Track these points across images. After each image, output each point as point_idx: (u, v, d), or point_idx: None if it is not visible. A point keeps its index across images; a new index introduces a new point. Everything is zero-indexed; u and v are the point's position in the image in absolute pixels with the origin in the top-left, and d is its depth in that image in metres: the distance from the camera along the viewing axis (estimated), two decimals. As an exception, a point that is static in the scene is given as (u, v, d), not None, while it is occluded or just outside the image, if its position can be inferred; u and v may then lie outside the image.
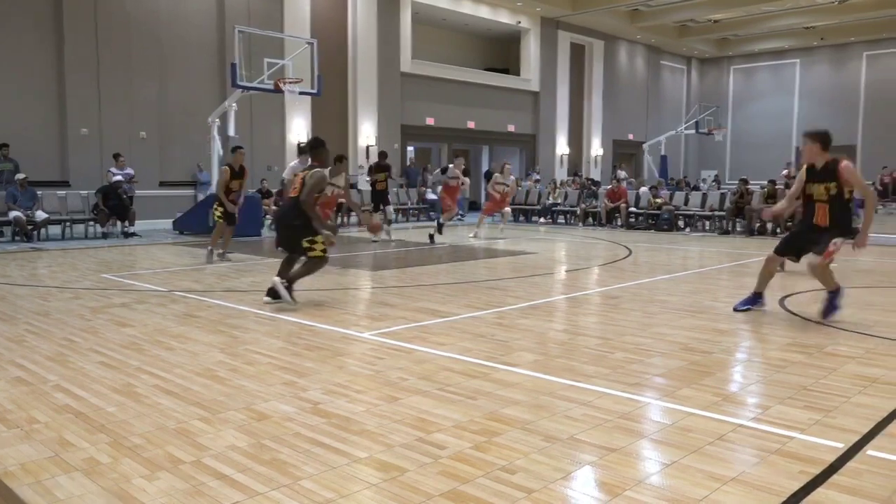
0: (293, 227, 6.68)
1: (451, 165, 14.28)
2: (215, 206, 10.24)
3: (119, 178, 14.51)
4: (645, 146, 27.88)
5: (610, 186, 19.34)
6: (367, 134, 20.60)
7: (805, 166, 6.07)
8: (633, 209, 17.81)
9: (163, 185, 16.90)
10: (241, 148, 10.47)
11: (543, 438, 3.34)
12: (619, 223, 17.74)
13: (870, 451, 3.22)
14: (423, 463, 3.05)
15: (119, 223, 14.44)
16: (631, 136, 29.55)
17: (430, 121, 22.58)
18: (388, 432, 3.41)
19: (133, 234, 14.28)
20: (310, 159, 7.00)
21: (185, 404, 3.85)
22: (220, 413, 3.70)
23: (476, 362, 4.72)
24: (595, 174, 27.13)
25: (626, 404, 3.88)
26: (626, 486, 2.83)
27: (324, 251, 6.66)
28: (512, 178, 15.66)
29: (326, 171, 6.77)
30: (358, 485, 2.84)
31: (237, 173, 10.21)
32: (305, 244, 6.61)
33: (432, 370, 4.53)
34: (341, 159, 10.59)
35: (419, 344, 5.24)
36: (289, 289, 6.58)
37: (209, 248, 10.23)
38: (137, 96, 16.46)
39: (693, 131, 28.30)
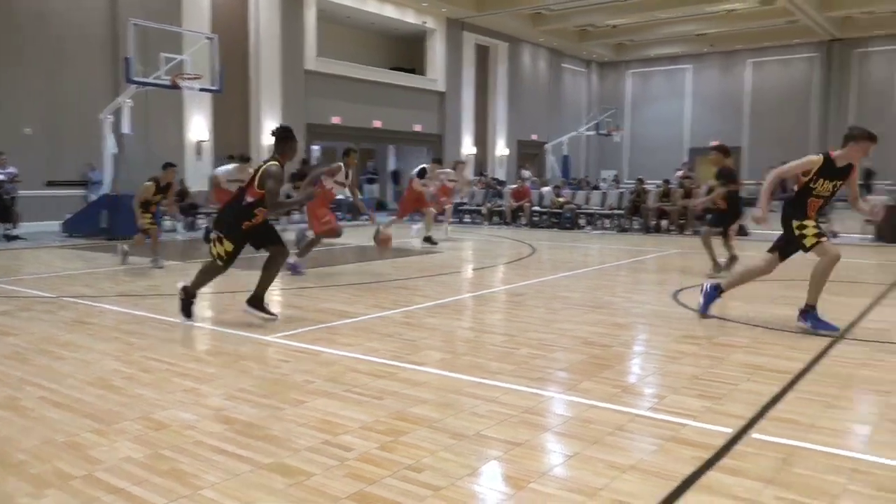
0: (220, 213, 6.25)
1: (426, 166, 13.42)
2: (141, 215, 9.72)
3: (0, 177, 13.59)
4: (548, 146, 28.59)
5: (515, 186, 19.72)
6: (270, 132, 20.14)
7: (822, 159, 5.54)
8: (536, 208, 18.23)
9: (50, 184, 15.92)
10: (173, 166, 10.08)
11: (450, 436, 3.36)
12: (524, 222, 18.11)
13: (755, 434, 3.42)
14: (330, 466, 3.01)
15: (1, 225, 13.53)
16: (535, 137, 30.20)
17: (335, 119, 22.32)
18: (294, 436, 3.35)
19: (17, 238, 13.43)
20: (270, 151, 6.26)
21: (75, 416, 3.65)
22: (114, 424, 3.53)
23: (383, 362, 4.71)
24: (500, 174, 27.58)
25: (530, 399, 3.96)
26: (530, 479, 2.89)
27: (221, 256, 5.89)
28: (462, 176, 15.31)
29: (278, 167, 5.90)
30: (262, 491, 2.78)
31: (161, 189, 9.83)
32: (212, 236, 6.03)
33: (339, 372, 4.48)
34: (349, 153, 9.30)
35: (325, 346, 5.17)
36: (187, 302, 6.06)
37: (154, 257, 9.70)
38: (21, 90, 15.44)
39: (593, 132, 29.25)
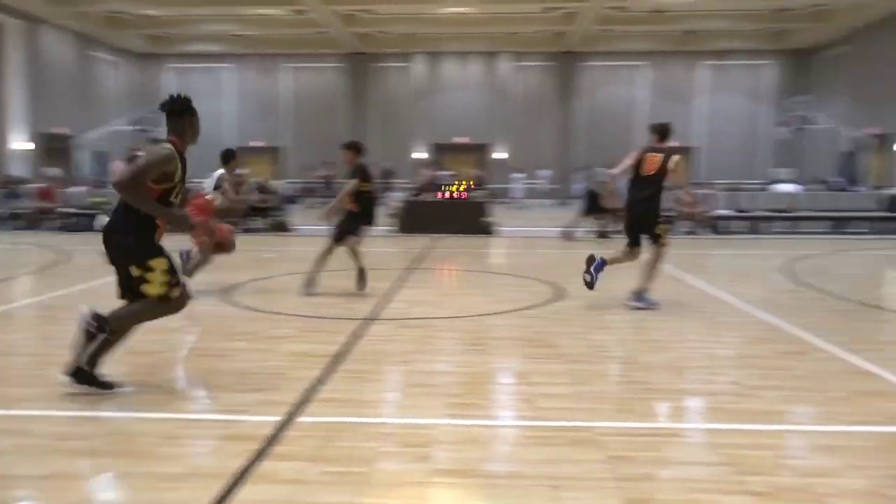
0: (121, 247, 4.00)
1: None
2: None
3: None
4: (79, 141, 25.91)
5: (41, 185, 17.36)
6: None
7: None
8: (66, 209, 16.40)
9: None
10: None
11: (-41, 485, 2.81)
12: (59, 225, 16.14)
13: (302, 418, 3.64)
14: None
15: None
16: (62, 130, 26.97)
17: None
18: None
19: None
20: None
21: None
22: None
23: None
24: (21, 170, 23.93)
25: (63, 424, 3.54)
26: (68, 513, 2.59)
27: (168, 284, 3.97)
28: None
29: (169, 150, 4.28)
30: None
31: None
32: (136, 272, 3.95)
33: None
34: (234, 156, 8.14)
35: None
36: (85, 372, 3.91)
37: None
38: None
39: (133, 127, 27.40)
